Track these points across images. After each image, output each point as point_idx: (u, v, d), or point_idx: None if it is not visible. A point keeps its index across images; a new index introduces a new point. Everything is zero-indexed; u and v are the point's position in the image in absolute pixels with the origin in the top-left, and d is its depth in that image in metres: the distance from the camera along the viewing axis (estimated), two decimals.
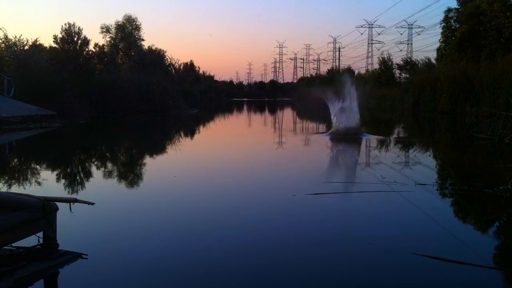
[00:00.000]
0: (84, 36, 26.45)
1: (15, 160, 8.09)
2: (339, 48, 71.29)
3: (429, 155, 8.62)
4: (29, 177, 6.03)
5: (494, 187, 4.99)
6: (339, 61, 68.56)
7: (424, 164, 7.08)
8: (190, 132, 13.62)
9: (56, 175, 6.35)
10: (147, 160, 8.11)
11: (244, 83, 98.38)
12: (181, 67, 37.83)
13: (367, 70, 53.73)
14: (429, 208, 4.31)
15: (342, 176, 6.20)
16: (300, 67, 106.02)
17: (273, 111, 31.10)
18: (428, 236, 3.44)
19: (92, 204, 3.08)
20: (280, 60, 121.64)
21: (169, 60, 35.53)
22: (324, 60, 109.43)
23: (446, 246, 3.19)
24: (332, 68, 64.25)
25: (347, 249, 3.16)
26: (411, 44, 66.18)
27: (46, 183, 5.46)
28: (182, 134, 13.19)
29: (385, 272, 2.77)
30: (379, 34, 76.63)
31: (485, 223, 3.97)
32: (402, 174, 6.15)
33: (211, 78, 46.58)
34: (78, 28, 26.26)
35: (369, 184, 5.19)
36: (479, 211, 4.46)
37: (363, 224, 3.79)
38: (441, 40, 28.80)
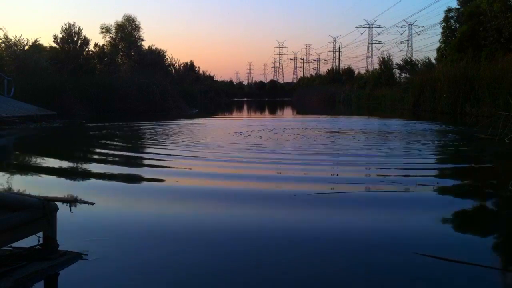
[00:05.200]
0: (84, 36, 26.58)
1: (15, 160, 8.08)
2: (339, 48, 71.55)
3: (430, 155, 8.61)
4: (29, 177, 6.02)
5: (494, 187, 4.99)
6: (339, 61, 68.79)
7: (425, 164, 7.07)
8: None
9: (56, 175, 6.33)
10: (148, 158, 8.09)
11: (244, 83, 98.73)
12: (181, 67, 37.80)
13: (367, 70, 53.96)
14: (429, 208, 4.31)
15: (344, 175, 6.19)
16: (300, 67, 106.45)
17: (273, 111, 31.11)
18: (429, 236, 3.43)
19: (92, 204, 3.08)
20: (280, 60, 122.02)
21: (169, 60, 35.58)
22: (324, 60, 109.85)
23: (448, 246, 3.19)
24: (332, 68, 64.37)
25: (348, 249, 3.16)
26: (411, 44, 66.51)
27: (46, 183, 5.46)
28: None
29: (387, 272, 2.77)
30: (379, 34, 77.23)
31: (485, 223, 3.97)
32: (402, 174, 6.15)
33: (211, 78, 46.50)
34: (78, 28, 26.38)
35: (370, 184, 5.19)
36: (479, 211, 4.45)
37: (363, 224, 3.79)
38: (441, 40, 28.84)
